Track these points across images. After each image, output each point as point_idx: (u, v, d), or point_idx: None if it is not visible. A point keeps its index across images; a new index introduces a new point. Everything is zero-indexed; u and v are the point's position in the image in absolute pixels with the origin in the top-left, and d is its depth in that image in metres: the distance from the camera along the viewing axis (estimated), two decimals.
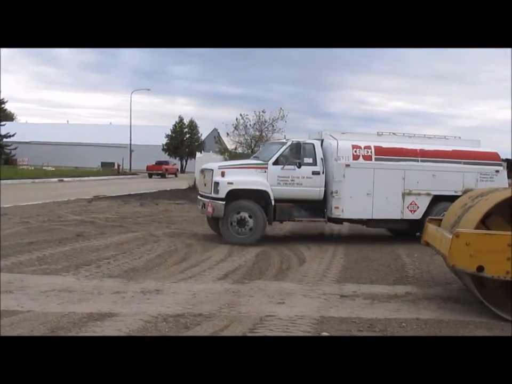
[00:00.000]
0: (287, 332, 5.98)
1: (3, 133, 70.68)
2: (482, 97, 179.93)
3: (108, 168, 68.92)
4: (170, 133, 78.97)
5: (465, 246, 6.58)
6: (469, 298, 7.54)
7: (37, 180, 38.91)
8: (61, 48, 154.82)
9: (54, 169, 60.83)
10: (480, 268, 6.54)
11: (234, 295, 7.59)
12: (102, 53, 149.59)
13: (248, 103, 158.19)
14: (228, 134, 35.92)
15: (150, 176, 56.66)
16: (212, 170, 12.34)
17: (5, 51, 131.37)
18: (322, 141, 12.92)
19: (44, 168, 62.36)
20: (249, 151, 35.03)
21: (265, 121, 35.32)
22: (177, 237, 12.87)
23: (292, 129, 70.58)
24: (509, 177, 14.42)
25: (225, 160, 32.59)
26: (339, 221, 13.20)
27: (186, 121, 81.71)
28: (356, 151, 12.60)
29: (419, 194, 12.83)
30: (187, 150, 77.78)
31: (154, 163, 60.11)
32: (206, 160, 33.84)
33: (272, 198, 12.06)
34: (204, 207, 12.36)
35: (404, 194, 12.77)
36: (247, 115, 34.80)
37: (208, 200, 12.16)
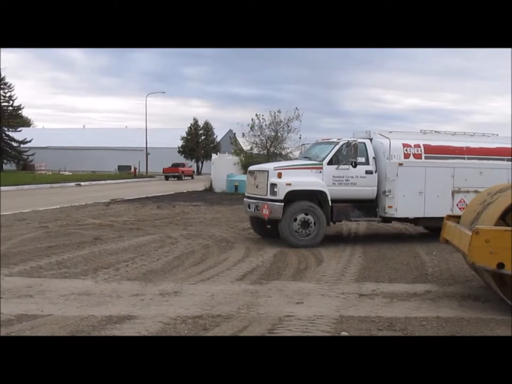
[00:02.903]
0: (306, 332, 5.96)
1: (20, 138, 71.37)
2: (500, 92, 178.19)
3: (125, 172, 69.45)
4: (185, 135, 79.27)
5: (485, 242, 6.49)
6: (490, 296, 7.46)
7: (54, 185, 39.25)
8: (74, 53, 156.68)
9: (71, 173, 61.33)
10: (501, 265, 6.46)
11: (252, 296, 7.57)
12: (115, 57, 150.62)
13: (262, 104, 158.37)
14: (243, 134, 35.98)
15: (167, 178, 56.97)
16: (267, 171, 12.22)
17: (19, 57, 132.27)
18: (371, 139, 12.89)
19: (61, 172, 62.88)
20: (264, 151, 35.08)
21: (281, 121, 35.36)
22: (194, 239, 12.87)
23: (307, 128, 70.42)
24: None
25: (241, 161, 32.65)
26: (390, 220, 13.25)
27: (201, 123, 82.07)
28: (406, 150, 12.61)
29: (468, 191, 12.73)
30: (203, 151, 78.12)
31: (170, 165, 60.43)
32: (222, 162, 34.06)
33: (329, 198, 11.97)
34: (256, 209, 12.23)
35: (453, 192, 12.77)
36: (262, 115, 34.84)
37: (263, 202, 12.03)
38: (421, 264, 10.30)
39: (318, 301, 7.41)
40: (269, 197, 11.89)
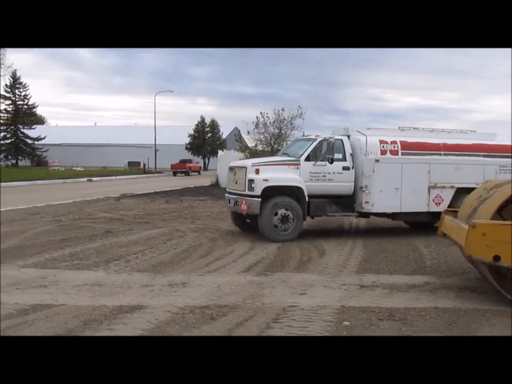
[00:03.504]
0: (310, 322, 5.96)
1: (35, 136, 71.59)
2: (498, 91, 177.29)
3: (134, 167, 69.53)
4: (193, 133, 79.37)
5: (481, 236, 6.47)
6: (486, 287, 7.44)
7: (67, 180, 39.37)
8: (86, 53, 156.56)
9: (83, 169, 61.42)
10: (497, 258, 6.44)
11: (257, 287, 7.58)
12: (124, 57, 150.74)
13: (266, 102, 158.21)
14: (248, 132, 35.93)
15: (175, 174, 57.14)
16: (245, 167, 11.97)
17: (34, 57, 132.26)
18: (349, 136, 12.69)
19: (73, 168, 63.02)
20: (268, 148, 35.02)
21: (284, 119, 35.29)
22: (202, 232, 12.89)
23: (310, 126, 70.43)
24: None
25: (246, 157, 32.61)
26: (368, 215, 13.01)
27: (207, 121, 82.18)
28: (383, 146, 12.39)
29: (444, 187, 12.66)
30: (209, 148, 78.20)
31: (178, 161, 60.51)
32: (227, 158, 34.00)
33: (306, 194, 11.69)
34: (236, 205, 12.04)
35: (429, 188, 12.60)
36: (267, 113, 34.82)
37: (241, 197, 11.80)
38: (419, 256, 10.27)
39: (321, 291, 7.40)
40: (247, 192, 11.61)
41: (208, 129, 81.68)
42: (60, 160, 73.19)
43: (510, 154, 13.44)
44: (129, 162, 77.29)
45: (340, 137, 12.51)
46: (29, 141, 72.09)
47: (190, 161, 63.02)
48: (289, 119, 35.13)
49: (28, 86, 72.52)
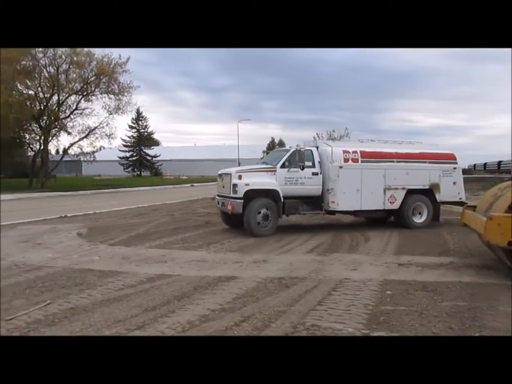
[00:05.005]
0: (360, 290, 5.83)
1: (152, 154, 74.27)
2: (504, 110, 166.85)
3: None
4: (266, 150, 79.64)
5: (497, 226, 6.15)
6: (500, 266, 7.03)
7: (176, 186, 40.49)
8: (186, 94, 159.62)
9: (187, 177, 62.92)
10: (510, 243, 6.11)
11: (319, 264, 7.51)
12: (214, 96, 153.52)
13: (319, 125, 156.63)
14: None
15: None
16: (230, 174, 10.93)
17: (149, 98, 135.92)
18: (317, 147, 11.74)
19: (180, 177, 64.69)
20: None
21: (335, 138, 34.83)
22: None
23: None
24: None
25: None
26: (334, 212, 11.92)
27: (276, 140, 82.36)
28: (346, 155, 11.41)
29: (396, 188, 11.77)
30: None
31: None
32: None
33: (281, 196, 10.78)
34: (223, 206, 11.11)
35: (385, 189, 11.68)
36: (321, 134, 34.52)
37: (227, 199, 10.87)
38: (444, 242, 9.84)
39: (367, 268, 7.25)
40: (231, 195, 10.72)
41: (277, 146, 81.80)
42: (170, 171, 75.20)
43: (450, 160, 12.60)
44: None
45: (310, 147, 11.60)
46: (149, 158, 74.93)
47: None
48: (338, 138, 34.67)
49: (147, 119, 75.45)
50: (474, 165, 58.88)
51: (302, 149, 11.22)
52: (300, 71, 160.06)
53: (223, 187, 11.29)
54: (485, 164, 54.35)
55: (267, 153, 13.77)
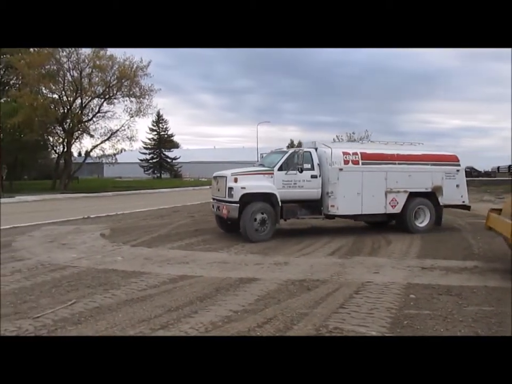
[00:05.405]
0: (383, 294, 5.78)
1: (172, 156, 75.01)
2: None
3: None
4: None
5: None
6: None
7: (195, 187, 40.76)
8: (206, 96, 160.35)
9: (206, 179, 63.22)
10: None
11: (340, 267, 7.46)
12: (234, 99, 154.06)
13: (339, 128, 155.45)
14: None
15: None
16: (226, 177, 10.40)
17: (169, 100, 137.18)
18: (316, 149, 11.26)
19: (199, 179, 65.10)
20: None
21: (354, 140, 34.58)
22: (293, 225, 12.75)
23: None
24: None
25: None
26: (334, 217, 11.37)
27: (295, 142, 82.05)
28: (346, 157, 10.97)
29: (398, 192, 11.34)
30: None
31: None
32: None
33: (279, 199, 10.29)
34: (218, 210, 10.63)
35: (386, 193, 11.21)
36: (341, 136, 34.29)
37: (223, 203, 10.42)
38: (469, 245, 9.66)
39: (390, 271, 7.17)
40: (227, 199, 10.18)
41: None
42: (190, 173, 75.78)
43: (454, 162, 12.21)
44: None
45: (308, 149, 11.14)
46: (169, 160, 75.65)
47: None
48: (358, 140, 34.42)
49: (167, 121, 76.18)
50: (498, 167, 57.72)
51: (300, 151, 10.89)
52: (320, 72, 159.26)
53: (218, 190, 10.83)
54: (509, 166, 53.22)
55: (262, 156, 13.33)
